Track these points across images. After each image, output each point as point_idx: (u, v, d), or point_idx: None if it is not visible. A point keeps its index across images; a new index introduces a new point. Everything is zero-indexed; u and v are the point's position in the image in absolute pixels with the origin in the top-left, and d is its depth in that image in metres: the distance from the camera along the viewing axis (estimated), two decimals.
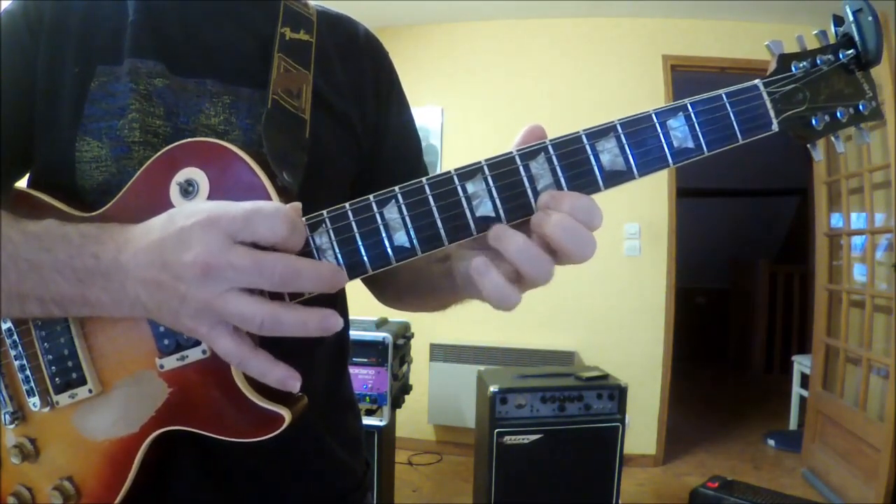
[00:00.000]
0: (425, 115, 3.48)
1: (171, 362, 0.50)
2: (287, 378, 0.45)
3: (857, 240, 3.13)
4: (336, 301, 0.63)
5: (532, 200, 0.45)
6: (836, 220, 3.28)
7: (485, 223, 0.45)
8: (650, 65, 3.35)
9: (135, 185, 0.52)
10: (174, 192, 0.50)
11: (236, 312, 0.43)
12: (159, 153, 0.51)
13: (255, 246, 0.43)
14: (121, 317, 0.49)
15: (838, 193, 3.20)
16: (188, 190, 0.49)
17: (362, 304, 1.02)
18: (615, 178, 0.45)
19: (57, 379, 0.52)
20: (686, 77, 3.41)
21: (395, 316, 2.50)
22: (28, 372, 0.53)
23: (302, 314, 0.44)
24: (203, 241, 0.42)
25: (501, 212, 0.44)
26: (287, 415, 0.49)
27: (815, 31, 0.48)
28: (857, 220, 3.10)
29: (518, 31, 3.51)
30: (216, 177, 0.49)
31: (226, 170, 0.49)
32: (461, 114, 3.53)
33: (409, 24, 3.53)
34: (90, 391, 0.51)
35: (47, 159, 0.58)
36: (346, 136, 0.68)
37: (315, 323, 0.44)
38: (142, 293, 0.44)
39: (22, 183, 0.62)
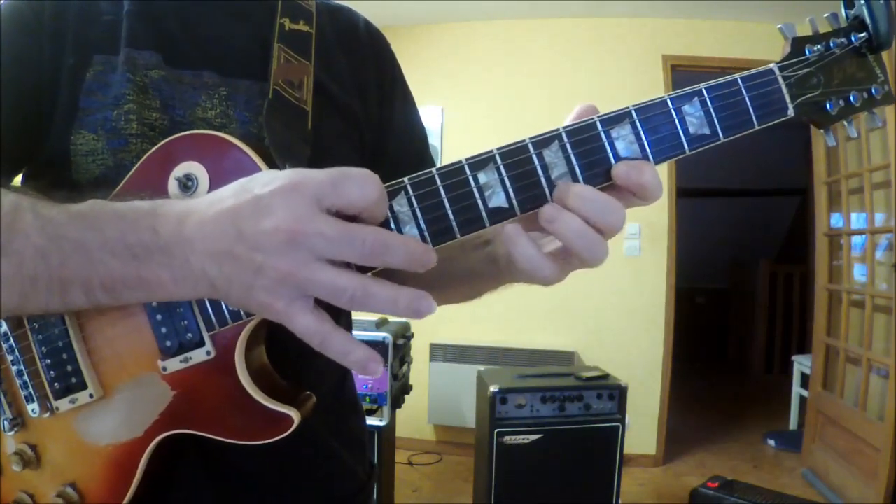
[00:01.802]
0: (425, 115, 3.46)
1: (174, 364, 0.48)
2: (370, 360, 0.41)
3: (857, 240, 3.13)
4: None
5: (546, 190, 0.43)
6: (836, 220, 3.28)
7: (498, 214, 0.43)
8: (650, 65, 3.35)
9: (132, 179, 0.51)
10: (173, 187, 0.48)
11: (327, 282, 0.39)
12: (156, 147, 0.50)
13: (338, 215, 0.40)
14: (181, 297, 0.44)
15: (838, 193, 3.20)
16: (187, 185, 0.47)
17: None
18: None
19: (56, 384, 0.51)
20: (686, 77, 3.40)
21: (395, 316, 2.50)
22: (26, 377, 0.52)
23: (393, 290, 0.40)
24: (287, 208, 0.38)
25: (515, 202, 0.43)
26: (296, 415, 0.48)
27: (825, 14, 0.48)
28: (857, 220, 3.10)
29: (518, 31, 3.50)
30: (216, 170, 0.47)
31: (226, 163, 0.48)
32: (461, 114, 3.53)
33: (410, 24, 3.52)
34: (91, 396, 0.50)
35: (44, 154, 0.57)
36: (349, 128, 0.68)
37: (405, 302, 0.40)
38: (209, 267, 0.40)
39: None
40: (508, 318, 3.46)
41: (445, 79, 3.55)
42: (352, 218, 0.40)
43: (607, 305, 3.41)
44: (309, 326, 0.41)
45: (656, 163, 0.44)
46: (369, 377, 0.47)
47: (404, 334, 2.43)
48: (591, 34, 3.44)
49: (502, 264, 0.51)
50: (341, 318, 0.72)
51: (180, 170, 0.48)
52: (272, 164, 0.48)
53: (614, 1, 3.25)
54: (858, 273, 3.11)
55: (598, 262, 0.43)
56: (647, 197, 0.43)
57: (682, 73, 3.39)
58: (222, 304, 0.47)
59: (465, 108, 3.52)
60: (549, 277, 0.44)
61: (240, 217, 0.39)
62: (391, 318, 2.48)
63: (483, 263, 0.54)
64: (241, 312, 0.46)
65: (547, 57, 3.47)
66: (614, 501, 2.30)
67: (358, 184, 0.40)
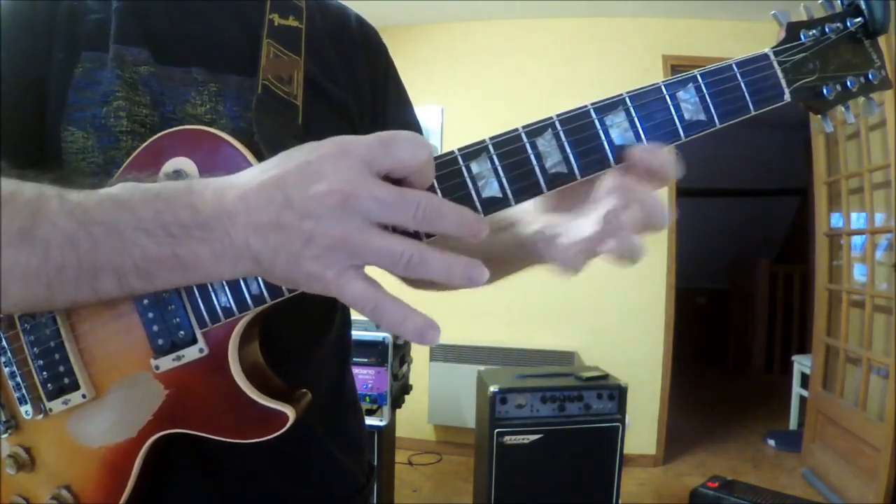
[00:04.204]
0: (425, 115, 3.47)
1: (166, 363, 0.48)
2: (427, 327, 0.38)
3: (857, 240, 3.13)
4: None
5: (541, 179, 0.43)
6: (836, 220, 3.27)
7: (492, 205, 0.42)
8: (650, 65, 3.35)
9: (121, 177, 0.50)
10: None
11: (383, 246, 0.37)
12: (145, 143, 0.50)
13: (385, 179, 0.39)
14: (220, 276, 0.42)
15: (838, 193, 3.20)
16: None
17: None
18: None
19: (49, 385, 0.51)
20: None
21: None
22: (18, 379, 0.52)
23: (448, 257, 0.38)
24: (337, 171, 0.37)
25: (509, 192, 0.42)
26: (291, 413, 0.48)
27: (820, 0, 0.47)
28: (857, 220, 3.10)
29: (518, 31, 3.50)
30: (206, 165, 0.47)
31: (215, 157, 0.47)
32: (461, 114, 3.52)
33: (409, 23, 3.52)
34: (84, 396, 0.50)
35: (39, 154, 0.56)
36: (342, 122, 0.67)
37: (460, 270, 0.38)
38: (253, 240, 0.38)
39: None
40: (508, 318, 3.46)
41: (445, 79, 3.54)
42: (399, 182, 0.39)
43: (607, 305, 3.40)
44: (362, 294, 0.38)
45: None
46: (426, 345, 0.45)
47: None
48: (591, 34, 3.43)
49: (528, 246, 0.50)
50: (337, 316, 0.72)
51: (170, 166, 0.48)
52: (262, 159, 0.47)
53: (614, 1, 3.24)
54: (858, 273, 3.11)
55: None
56: (666, 178, 0.43)
57: (682, 73, 3.38)
58: (214, 300, 0.46)
59: (465, 108, 3.52)
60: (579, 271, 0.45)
61: (287, 184, 0.38)
62: None
63: (511, 247, 0.53)
64: (234, 308, 0.46)
65: (547, 57, 3.47)
66: (614, 501, 2.30)
67: (408, 144, 0.38)
